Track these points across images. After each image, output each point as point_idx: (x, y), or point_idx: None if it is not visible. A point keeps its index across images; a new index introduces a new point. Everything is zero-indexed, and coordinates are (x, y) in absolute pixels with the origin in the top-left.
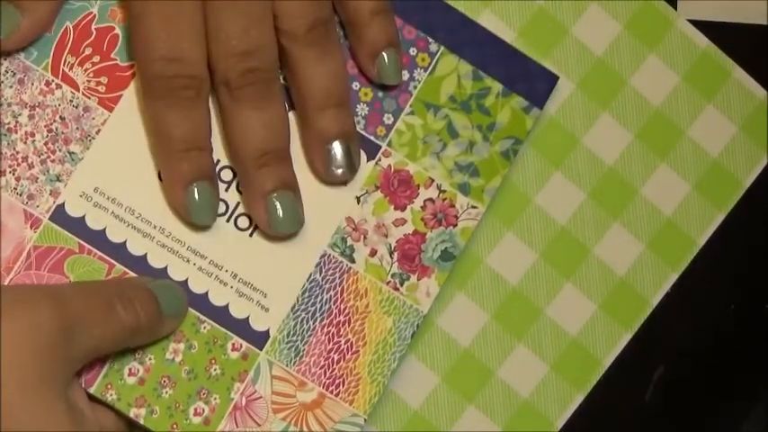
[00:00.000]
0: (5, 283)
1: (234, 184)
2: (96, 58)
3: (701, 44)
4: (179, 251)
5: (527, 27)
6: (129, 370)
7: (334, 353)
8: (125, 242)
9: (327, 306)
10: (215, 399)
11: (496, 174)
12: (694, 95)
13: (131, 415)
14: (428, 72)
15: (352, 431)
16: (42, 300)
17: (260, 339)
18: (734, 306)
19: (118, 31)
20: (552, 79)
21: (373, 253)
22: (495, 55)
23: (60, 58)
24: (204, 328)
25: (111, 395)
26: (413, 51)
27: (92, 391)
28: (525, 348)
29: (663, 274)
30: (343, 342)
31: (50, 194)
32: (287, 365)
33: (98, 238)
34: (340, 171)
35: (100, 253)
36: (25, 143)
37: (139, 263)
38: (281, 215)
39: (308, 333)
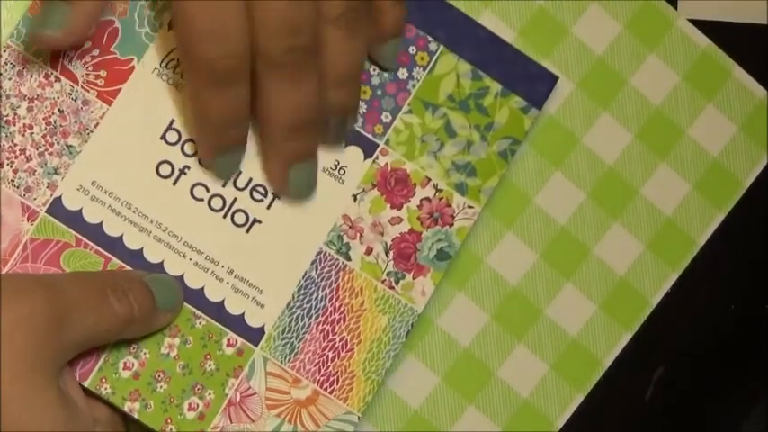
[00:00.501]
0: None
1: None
2: (96, 52)
3: (701, 44)
4: (175, 246)
5: (527, 27)
6: (124, 364)
7: (329, 350)
8: (121, 236)
9: (323, 303)
10: (209, 394)
11: (494, 174)
12: (694, 95)
13: (126, 409)
14: (427, 71)
15: (346, 428)
16: (35, 288)
17: (255, 335)
18: (734, 306)
19: (117, 24)
20: (552, 80)
21: (369, 251)
22: (495, 55)
23: (59, 50)
24: (199, 323)
25: (106, 389)
26: (412, 50)
27: (86, 384)
28: (525, 348)
29: (663, 274)
30: (337, 339)
31: (48, 187)
32: (282, 362)
33: (94, 232)
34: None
35: (96, 247)
36: (23, 135)
37: (135, 257)
38: (303, 183)
39: (303, 330)
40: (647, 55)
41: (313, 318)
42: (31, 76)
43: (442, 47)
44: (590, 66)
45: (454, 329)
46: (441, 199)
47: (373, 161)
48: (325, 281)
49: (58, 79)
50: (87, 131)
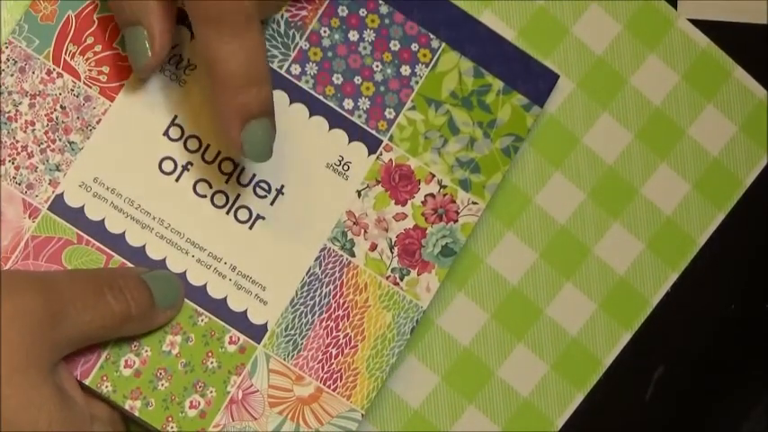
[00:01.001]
0: None
1: (234, 176)
2: (98, 48)
3: (701, 44)
4: (178, 243)
5: (527, 27)
6: (125, 362)
7: (333, 347)
8: (124, 233)
9: (326, 300)
10: (211, 392)
11: (497, 170)
12: (694, 95)
13: (126, 407)
14: (429, 68)
15: (350, 426)
16: (31, 285)
17: (258, 333)
18: (734, 306)
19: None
20: (553, 78)
21: (373, 247)
22: (497, 52)
23: (62, 47)
24: (202, 320)
25: (107, 387)
26: (414, 47)
27: (87, 382)
28: (525, 348)
29: (663, 273)
30: (341, 336)
31: (50, 184)
32: (284, 359)
33: (97, 229)
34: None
35: (98, 243)
36: (25, 132)
37: (138, 254)
38: (258, 141)
39: (307, 327)
40: (647, 55)
41: (317, 315)
42: (33, 73)
43: (444, 44)
44: (590, 66)
45: (454, 329)
46: (445, 195)
47: (377, 157)
48: (329, 277)
49: (60, 75)
50: (89, 128)
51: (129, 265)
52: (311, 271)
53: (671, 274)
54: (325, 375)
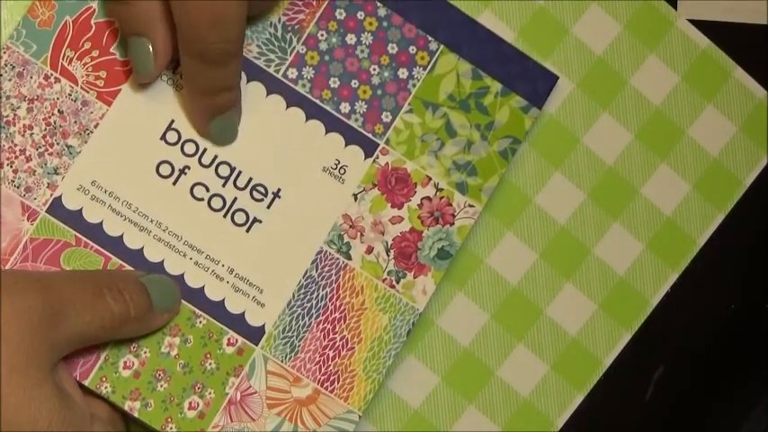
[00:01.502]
0: None
1: (231, 180)
2: (95, 53)
3: (701, 44)
4: (175, 245)
5: (527, 27)
6: (125, 363)
7: (330, 349)
8: (122, 236)
9: (323, 302)
10: (210, 393)
11: (494, 173)
12: (694, 95)
13: (126, 408)
14: (427, 70)
15: (347, 428)
16: (31, 285)
17: (255, 334)
18: (734, 306)
19: (117, 25)
20: (552, 79)
21: (370, 250)
22: (495, 54)
23: (59, 51)
24: (200, 322)
25: (106, 388)
26: (412, 50)
27: (87, 383)
28: (525, 348)
29: (663, 274)
30: (338, 338)
31: (48, 187)
32: (282, 361)
33: (95, 232)
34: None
35: (96, 246)
36: (23, 136)
37: (136, 257)
38: (223, 134)
39: (304, 329)
40: (647, 55)
41: (314, 317)
42: (31, 77)
43: (442, 46)
44: (590, 66)
45: (454, 329)
46: (441, 198)
47: (374, 160)
48: (325, 280)
49: (57, 80)
50: (87, 132)
51: (128, 267)
52: (308, 274)
53: (671, 274)
54: (323, 377)
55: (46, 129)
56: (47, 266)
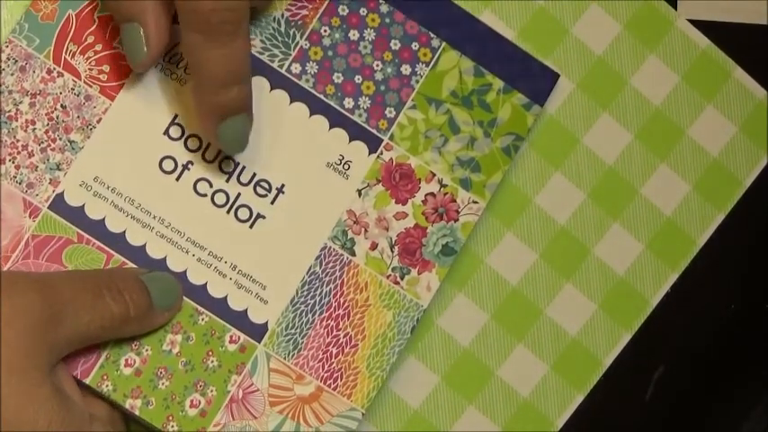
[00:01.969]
0: None
1: (234, 176)
2: (98, 47)
3: (701, 44)
4: (178, 242)
5: (527, 27)
6: (126, 361)
7: (333, 346)
8: (124, 232)
9: (327, 299)
10: (211, 391)
11: (498, 169)
12: (694, 95)
13: (127, 406)
14: (430, 67)
15: (350, 425)
16: (30, 286)
17: (258, 332)
18: (734, 306)
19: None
20: (553, 77)
21: (374, 246)
22: (497, 51)
23: (62, 46)
24: (202, 319)
25: (107, 386)
26: (415, 46)
27: (87, 381)
28: (525, 348)
29: (663, 274)
30: (342, 335)
31: (50, 183)
32: (285, 358)
33: (97, 228)
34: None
35: (98, 243)
36: (26, 131)
37: (138, 253)
38: (233, 138)
39: (307, 326)
40: (647, 55)
41: (317, 314)
42: (34, 72)
43: (444, 43)
44: (590, 66)
45: (454, 329)
46: (446, 194)
47: (378, 156)
48: (329, 276)
49: (60, 74)
50: (90, 127)
51: (130, 264)
52: (312, 270)
53: (671, 275)
54: (326, 374)
55: (48, 124)
56: (48, 263)
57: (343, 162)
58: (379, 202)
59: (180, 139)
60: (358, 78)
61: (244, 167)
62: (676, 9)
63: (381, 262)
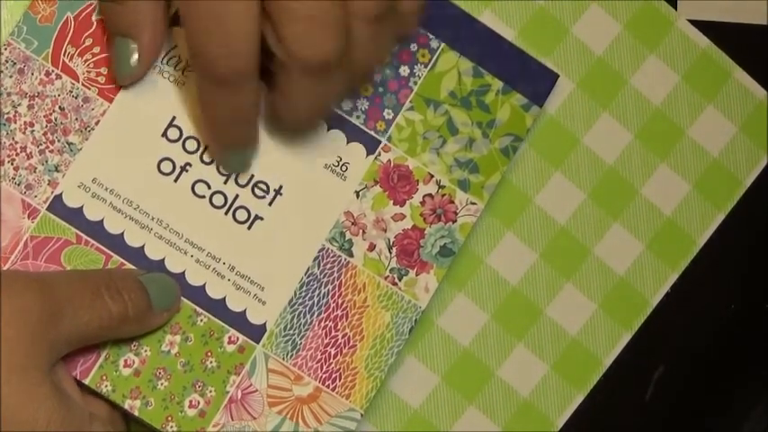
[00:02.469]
0: None
1: (233, 177)
2: (97, 49)
3: (701, 44)
4: (176, 243)
5: (527, 27)
6: (125, 361)
7: (331, 347)
8: (123, 233)
9: (325, 300)
10: (210, 391)
11: (496, 170)
12: (694, 95)
13: (126, 406)
14: (428, 68)
15: (349, 426)
16: (29, 285)
17: (257, 333)
18: (734, 306)
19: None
20: (553, 77)
21: (372, 247)
22: (496, 52)
23: (60, 48)
24: (201, 320)
25: (106, 386)
26: (413, 47)
27: (87, 382)
28: (525, 348)
29: (663, 274)
30: (340, 336)
31: (48, 185)
32: (283, 359)
33: (96, 229)
34: None
35: (97, 244)
36: (24, 133)
37: (137, 254)
38: (238, 165)
39: (305, 327)
40: (647, 55)
41: (315, 315)
42: (32, 74)
43: (443, 44)
44: (590, 66)
45: (454, 329)
46: (443, 195)
47: (375, 158)
48: (327, 277)
49: (59, 77)
50: (88, 129)
51: (129, 265)
52: (310, 271)
53: (671, 274)
54: (324, 375)
55: (47, 126)
56: (47, 265)
57: (340, 164)
58: (377, 203)
59: (178, 140)
60: None
61: None
62: (676, 9)
63: (379, 263)
